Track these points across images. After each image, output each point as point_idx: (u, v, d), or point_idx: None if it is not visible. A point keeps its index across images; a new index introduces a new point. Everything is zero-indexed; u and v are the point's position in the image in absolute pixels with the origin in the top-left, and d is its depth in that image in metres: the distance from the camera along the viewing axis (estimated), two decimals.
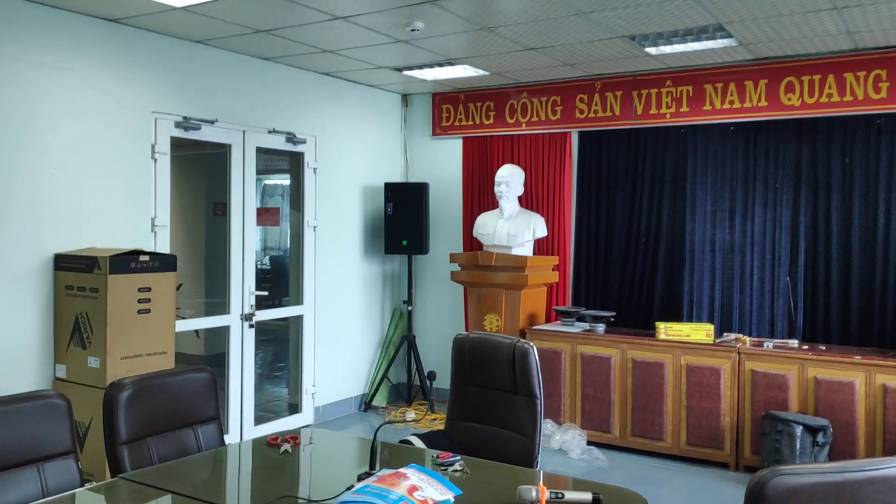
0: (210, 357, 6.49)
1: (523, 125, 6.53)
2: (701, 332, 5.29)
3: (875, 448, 4.70)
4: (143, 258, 4.23)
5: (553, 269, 6.29)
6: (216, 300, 5.82)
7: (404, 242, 6.57)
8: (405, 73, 6.06)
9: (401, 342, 6.82)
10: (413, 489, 2.12)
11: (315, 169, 6.18)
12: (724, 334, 5.53)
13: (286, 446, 2.84)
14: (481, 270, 6.06)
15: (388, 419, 6.35)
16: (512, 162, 6.54)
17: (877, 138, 5.17)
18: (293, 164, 6.24)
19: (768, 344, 5.16)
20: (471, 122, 6.82)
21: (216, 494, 2.45)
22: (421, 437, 3.31)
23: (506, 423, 3.12)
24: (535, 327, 5.98)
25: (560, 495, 2.20)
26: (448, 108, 6.96)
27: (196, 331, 5.84)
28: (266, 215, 7.54)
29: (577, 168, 6.36)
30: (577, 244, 6.35)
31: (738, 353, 5.12)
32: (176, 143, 5.06)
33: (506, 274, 5.92)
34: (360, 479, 2.28)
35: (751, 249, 5.62)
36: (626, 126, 6.05)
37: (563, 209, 6.35)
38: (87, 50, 4.51)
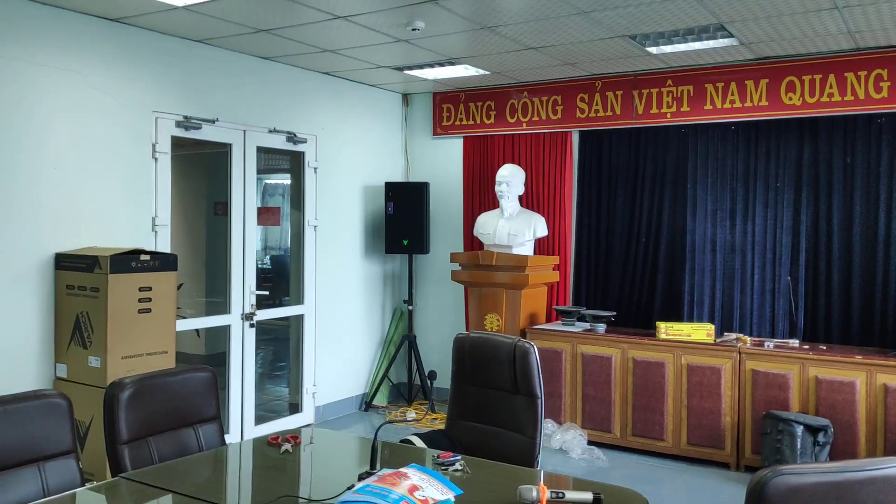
0: (211, 356, 6.49)
1: (524, 125, 6.53)
2: (702, 331, 5.29)
3: (876, 448, 4.70)
4: (143, 257, 4.23)
5: (554, 269, 6.29)
6: (217, 300, 5.82)
7: (405, 242, 6.57)
8: (406, 72, 6.06)
9: (401, 342, 6.82)
10: (414, 489, 2.12)
11: (316, 168, 6.18)
12: (725, 334, 5.53)
13: (287, 446, 2.84)
14: (482, 270, 6.06)
15: (389, 419, 6.35)
16: (512, 161, 6.54)
17: (878, 138, 5.17)
18: (294, 163, 6.24)
19: (769, 343, 5.16)
20: (471, 122, 6.82)
21: (217, 494, 2.45)
22: (421, 436, 3.31)
23: (506, 423, 3.12)
24: (535, 327, 5.98)
25: (561, 495, 2.20)
26: (449, 107, 6.96)
27: (197, 330, 5.85)
28: (267, 215, 7.54)
29: (577, 168, 6.36)
30: (578, 244, 6.35)
31: (739, 353, 5.12)
32: (176, 143, 5.06)
33: (506, 273, 5.92)
34: (360, 478, 2.28)
35: (752, 249, 5.61)
36: (626, 126, 6.05)
37: (564, 209, 6.35)
38: (88, 49, 4.51)
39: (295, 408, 6.19)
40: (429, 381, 6.59)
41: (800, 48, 5.14)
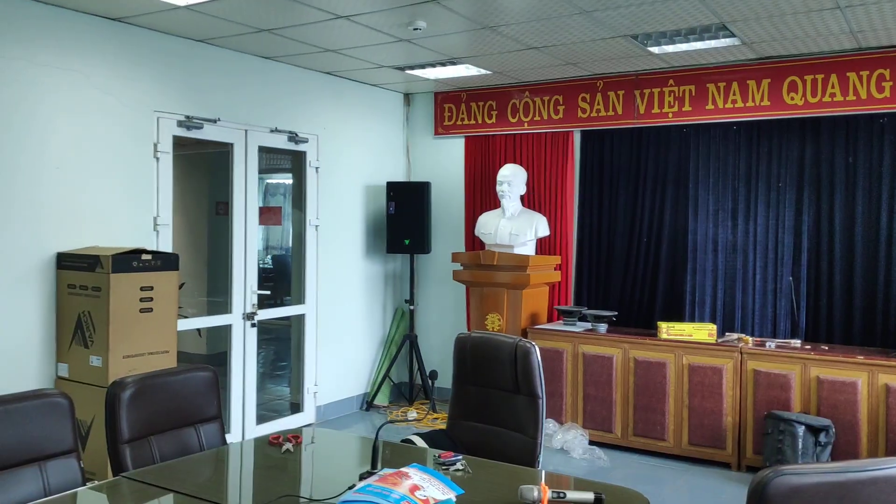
0: (212, 356, 6.50)
1: (525, 124, 6.53)
2: (703, 331, 5.28)
3: (878, 448, 4.69)
4: (145, 257, 4.23)
5: (555, 269, 6.28)
6: (218, 299, 5.83)
7: (406, 242, 6.57)
8: (407, 72, 6.06)
9: (403, 341, 6.82)
10: (415, 488, 2.11)
11: (317, 168, 6.18)
12: (727, 334, 5.52)
13: (288, 445, 2.84)
14: (483, 270, 6.06)
15: (390, 418, 6.35)
16: (514, 161, 6.54)
17: (880, 138, 5.16)
18: (295, 163, 6.25)
19: (771, 344, 5.15)
20: (473, 122, 6.82)
21: (218, 493, 2.45)
22: (422, 436, 3.31)
23: (507, 423, 3.12)
24: (536, 327, 5.97)
25: (562, 495, 2.20)
26: (450, 107, 6.96)
27: (198, 330, 5.85)
28: (268, 214, 7.53)
29: (579, 167, 6.35)
30: (580, 243, 6.35)
31: (741, 353, 5.12)
32: (178, 142, 5.07)
33: (508, 273, 5.92)
34: (361, 478, 2.28)
35: (753, 249, 5.61)
36: (628, 125, 6.04)
37: (566, 208, 6.34)
38: (89, 49, 4.51)
39: (296, 407, 6.20)
40: (430, 381, 6.59)
41: (802, 48, 5.13)
